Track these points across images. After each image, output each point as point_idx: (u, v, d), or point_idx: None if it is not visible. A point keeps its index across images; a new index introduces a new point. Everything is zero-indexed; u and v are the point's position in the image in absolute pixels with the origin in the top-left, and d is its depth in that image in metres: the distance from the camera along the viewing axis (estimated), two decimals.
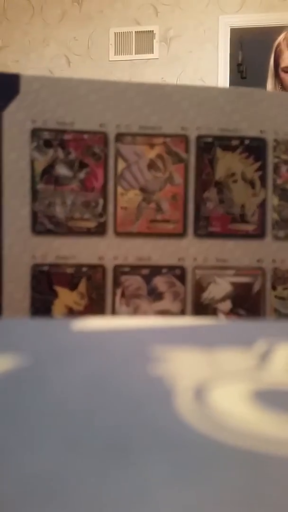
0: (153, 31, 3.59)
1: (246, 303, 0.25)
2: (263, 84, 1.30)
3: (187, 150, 0.25)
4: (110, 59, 3.61)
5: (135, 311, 0.25)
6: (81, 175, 0.25)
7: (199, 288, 0.25)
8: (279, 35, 1.25)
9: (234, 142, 0.25)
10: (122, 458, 0.08)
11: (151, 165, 0.25)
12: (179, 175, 0.25)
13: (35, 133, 0.24)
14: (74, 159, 0.25)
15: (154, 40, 3.58)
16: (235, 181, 0.25)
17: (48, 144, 0.24)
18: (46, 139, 0.24)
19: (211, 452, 0.08)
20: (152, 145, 0.25)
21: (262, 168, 0.26)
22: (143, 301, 0.25)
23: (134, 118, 0.25)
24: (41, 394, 0.10)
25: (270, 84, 1.28)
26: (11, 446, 0.08)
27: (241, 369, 0.12)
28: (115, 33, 3.63)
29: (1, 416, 0.09)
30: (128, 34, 3.62)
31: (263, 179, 0.26)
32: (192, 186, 0.25)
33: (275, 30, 1.32)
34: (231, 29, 3.55)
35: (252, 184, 0.26)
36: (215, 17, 3.52)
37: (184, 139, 0.25)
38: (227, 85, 3.42)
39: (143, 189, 0.25)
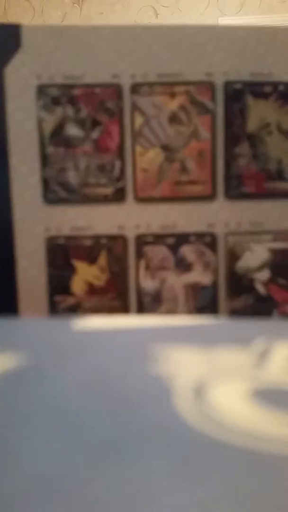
0: None
1: (287, 271, 0.23)
2: None
3: (213, 99, 0.23)
4: None
5: (162, 285, 0.23)
6: (94, 134, 0.23)
7: (233, 256, 0.23)
8: None
9: (267, 89, 0.23)
10: (122, 457, 0.08)
11: (173, 118, 0.23)
12: (206, 129, 0.23)
13: (41, 90, 0.22)
14: (86, 117, 0.23)
15: None
16: (270, 133, 0.23)
17: (56, 101, 0.22)
18: (54, 96, 0.22)
19: (210, 451, 0.08)
20: (173, 95, 0.22)
21: None
22: (170, 273, 0.23)
23: (152, 65, 0.22)
24: (41, 394, 0.10)
25: None
26: (12, 445, 0.08)
27: (240, 368, 0.12)
28: None
29: (1, 416, 0.09)
30: None
31: None
32: (221, 140, 0.23)
33: None
34: None
35: None
36: (214, 19, 3.53)
37: (210, 86, 0.23)
38: None
39: (165, 147, 0.23)
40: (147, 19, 3.59)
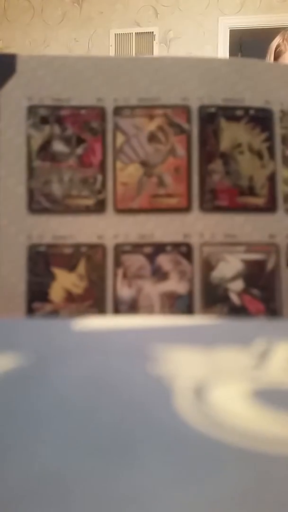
0: (153, 32, 3.59)
1: (260, 282, 0.24)
2: None
3: (189, 121, 0.24)
4: None
5: (138, 293, 0.24)
6: (79, 151, 0.24)
7: (208, 266, 0.24)
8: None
9: (239, 113, 0.24)
10: (122, 457, 0.08)
11: (152, 138, 0.24)
12: (182, 147, 0.24)
13: (31, 110, 0.24)
14: (71, 135, 0.24)
15: (154, 41, 3.59)
16: (241, 152, 0.24)
17: (44, 120, 0.24)
18: (43, 115, 0.24)
19: (210, 451, 0.08)
20: (151, 117, 0.24)
21: (270, 139, 0.24)
22: (147, 282, 0.24)
23: (132, 90, 0.24)
24: (42, 394, 0.10)
25: None
26: (12, 445, 0.08)
27: (240, 369, 0.12)
28: (115, 34, 3.64)
29: (2, 416, 0.09)
30: (128, 36, 3.62)
31: (271, 150, 0.24)
32: (196, 157, 0.24)
33: (275, 32, 1.32)
34: (230, 30, 3.55)
35: (259, 155, 0.24)
36: (214, 18, 3.53)
37: (186, 109, 0.24)
38: None
39: (143, 163, 0.24)
40: (147, 18, 3.58)
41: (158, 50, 3.57)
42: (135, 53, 3.58)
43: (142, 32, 3.60)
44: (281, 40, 1.23)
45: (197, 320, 0.17)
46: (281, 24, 3.06)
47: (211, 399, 0.10)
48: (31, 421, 0.09)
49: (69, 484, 0.07)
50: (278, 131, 0.24)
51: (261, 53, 1.32)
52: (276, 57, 1.26)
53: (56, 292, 0.24)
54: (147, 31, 3.59)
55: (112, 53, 3.61)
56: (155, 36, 3.58)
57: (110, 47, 3.63)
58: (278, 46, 1.23)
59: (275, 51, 1.25)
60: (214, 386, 0.11)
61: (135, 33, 3.61)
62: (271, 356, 0.13)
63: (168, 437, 0.09)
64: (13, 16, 3.75)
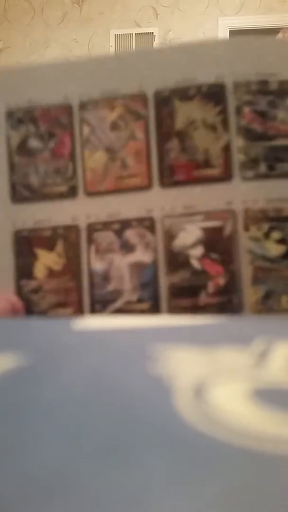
0: (153, 33, 3.59)
1: (218, 246, 0.26)
2: None
3: (146, 107, 0.26)
4: None
5: (110, 265, 0.26)
6: (51, 144, 0.27)
7: (170, 236, 0.26)
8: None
9: (192, 92, 0.26)
10: (122, 457, 0.08)
11: (114, 126, 0.26)
12: (140, 131, 0.26)
13: (9, 114, 0.27)
14: (44, 131, 0.27)
15: (154, 42, 3.59)
16: (196, 128, 0.26)
17: (20, 121, 0.27)
18: (19, 117, 0.27)
19: (210, 451, 0.08)
20: (113, 108, 0.26)
21: (223, 112, 0.26)
22: (116, 255, 0.26)
23: (94, 86, 0.27)
24: (41, 394, 0.10)
25: None
26: (12, 445, 0.08)
27: (240, 368, 0.12)
28: (115, 35, 3.64)
29: (1, 416, 0.09)
30: (128, 36, 3.62)
31: (225, 122, 0.26)
32: (154, 139, 0.26)
33: (275, 32, 1.32)
34: (230, 30, 3.55)
35: (213, 128, 0.26)
36: (214, 19, 3.53)
37: (142, 97, 0.26)
38: None
39: (108, 149, 0.26)
40: (147, 19, 3.59)
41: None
42: None
43: (142, 33, 3.60)
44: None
45: (197, 320, 0.17)
46: (281, 25, 3.06)
47: (211, 398, 0.10)
48: (31, 421, 0.09)
49: (69, 484, 0.07)
50: (231, 102, 0.26)
51: None
52: None
53: (39, 270, 0.27)
54: (147, 31, 3.59)
55: None
56: (155, 36, 3.58)
57: (110, 47, 3.64)
58: None
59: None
60: (214, 385, 0.11)
61: (135, 33, 3.61)
62: (271, 355, 0.13)
63: (168, 437, 0.09)
64: (13, 17, 3.75)
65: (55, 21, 3.71)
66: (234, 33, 3.59)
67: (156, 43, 3.57)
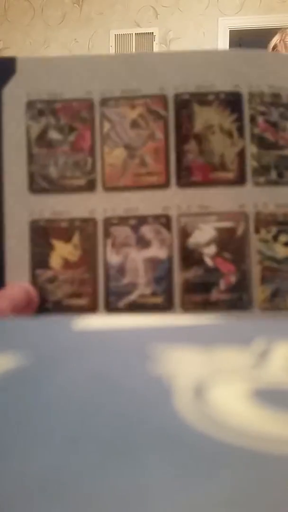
0: (153, 33, 3.59)
1: (231, 246, 0.27)
2: None
3: (166, 108, 0.27)
4: None
5: (125, 259, 0.27)
6: (71, 138, 0.27)
7: (185, 234, 0.27)
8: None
9: (210, 97, 0.27)
10: (122, 458, 0.08)
11: (134, 124, 0.27)
12: (160, 131, 0.27)
13: (29, 104, 0.28)
14: (64, 124, 0.27)
15: (154, 42, 3.59)
16: (213, 133, 0.27)
17: (41, 113, 0.27)
18: (39, 108, 0.27)
19: (210, 451, 0.08)
20: (133, 106, 0.27)
21: (239, 119, 0.27)
22: (132, 249, 0.27)
23: (116, 84, 0.28)
24: (42, 394, 0.10)
25: None
26: (12, 445, 0.08)
27: (240, 368, 0.12)
28: (115, 35, 3.64)
29: (1, 416, 0.09)
30: (128, 36, 3.63)
31: (240, 129, 0.27)
32: (173, 140, 0.27)
33: (274, 32, 1.32)
34: (230, 31, 3.55)
35: (230, 134, 0.27)
36: (214, 19, 3.53)
37: (163, 98, 0.27)
38: None
39: (127, 146, 0.27)
40: (147, 19, 3.58)
41: (158, 51, 3.57)
42: None
43: (142, 33, 3.60)
44: (278, 41, 1.22)
45: (197, 320, 0.17)
46: (281, 24, 3.06)
47: (211, 398, 0.10)
48: (31, 421, 0.09)
49: (69, 485, 0.07)
50: (246, 111, 0.27)
51: None
52: None
53: (55, 260, 0.27)
54: (147, 31, 3.60)
55: (112, 53, 3.61)
56: (155, 36, 3.59)
57: (110, 47, 3.64)
58: (275, 46, 1.23)
59: (272, 51, 1.24)
60: (214, 385, 0.11)
61: (135, 33, 3.61)
62: (271, 355, 0.13)
63: (167, 437, 0.09)
64: (14, 17, 3.75)
65: (55, 21, 3.71)
66: (234, 33, 3.59)
67: (156, 43, 3.57)
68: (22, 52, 3.72)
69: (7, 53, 3.73)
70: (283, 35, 1.22)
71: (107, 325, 0.16)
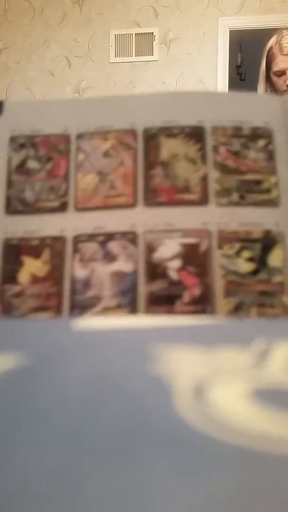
0: (153, 33, 3.59)
1: (195, 260, 0.28)
2: None
3: (135, 140, 0.30)
4: (110, 61, 3.62)
5: (92, 273, 0.28)
6: (48, 166, 0.30)
7: (150, 249, 0.28)
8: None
9: (176, 131, 0.30)
10: (122, 457, 0.08)
11: (106, 154, 0.30)
12: (130, 159, 0.30)
13: (12, 139, 0.31)
14: (43, 155, 0.30)
15: (154, 42, 3.59)
16: (178, 160, 0.30)
17: (22, 146, 0.30)
18: (21, 142, 0.30)
19: (210, 450, 0.08)
20: (106, 139, 0.30)
21: (202, 149, 0.30)
22: (99, 263, 0.28)
23: (92, 121, 0.31)
24: (42, 394, 0.10)
25: (261, 88, 1.28)
26: (12, 445, 0.08)
27: (240, 368, 0.12)
28: (115, 35, 3.64)
29: (2, 415, 0.09)
30: (128, 36, 3.62)
31: (203, 157, 0.30)
32: (141, 166, 0.30)
33: (274, 32, 1.32)
34: (230, 31, 3.55)
35: (194, 161, 0.30)
36: (214, 19, 3.53)
37: (133, 132, 0.30)
38: (227, 86, 3.42)
39: (99, 173, 0.30)
40: (147, 19, 3.58)
41: (158, 51, 3.57)
42: (135, 54, 3.58)
43: (142, 33, 3.60)
44: (274, 43, 1.22)
45: (197, 320, 0.17)
46: (281, 25, 3.06)
47: (211, 398, 0.10)
48: (31, 421, 0.09)
49: (69, 485, 0.07)
50: (209, 142, 0.30)
51: (261, 54, 1.31)
52: (269, 61, 1.24)
53: (23, 276, 0.29)
54: (147, 31, 3.59)
55: (112, 53, 3.61)
56: (155, 36, 3.58)
57: (110, 47, 3.64)
58: (270, 49, 1.22)
59: (267, 54, 1.23)
60: (214, 385, 0.11)
61: (135, 33, 3.61)
62: (271, 355, 0.13)
63: (168, 437, 0.09)
64: (14, 17, 3.75)
65: (55, 21, 3.70)
66: (234, 33, 3.59)
67: (156, 43, 3.57)
68: (22, 52, 3.72)
69: (7, 53, 3.73)
70: (279, 37, 1.22)
71: (107, 325, 0.16)
